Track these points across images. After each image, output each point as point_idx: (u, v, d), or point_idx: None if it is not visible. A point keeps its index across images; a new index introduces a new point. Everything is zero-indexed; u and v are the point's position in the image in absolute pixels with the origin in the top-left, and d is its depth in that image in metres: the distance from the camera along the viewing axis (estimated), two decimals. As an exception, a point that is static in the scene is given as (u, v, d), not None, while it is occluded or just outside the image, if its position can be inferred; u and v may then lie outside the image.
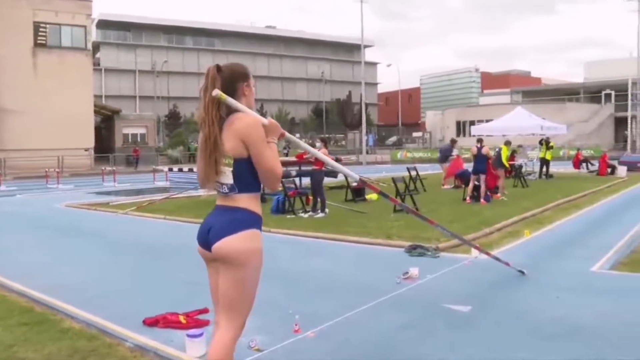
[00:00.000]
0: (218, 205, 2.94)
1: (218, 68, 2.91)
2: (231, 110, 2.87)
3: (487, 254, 6.72)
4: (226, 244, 2.79)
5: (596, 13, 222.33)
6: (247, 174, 2.83)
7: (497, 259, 6.63)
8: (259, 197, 2.95)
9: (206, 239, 2.87)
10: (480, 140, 14.74)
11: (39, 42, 38.14)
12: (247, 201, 2.87)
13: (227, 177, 2.84)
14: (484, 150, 14.28)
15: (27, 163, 33.74)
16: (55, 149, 34.80)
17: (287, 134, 3.16)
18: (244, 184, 2.85)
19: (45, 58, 38.00)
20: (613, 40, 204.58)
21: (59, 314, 5.37)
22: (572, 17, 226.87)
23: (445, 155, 19.97)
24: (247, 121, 2.80)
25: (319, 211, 12.23)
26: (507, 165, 17.00)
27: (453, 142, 21.49)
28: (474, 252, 7.72)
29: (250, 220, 2.85)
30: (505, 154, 16.87)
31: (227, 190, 2.86)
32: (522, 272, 6.59)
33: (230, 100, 2.83)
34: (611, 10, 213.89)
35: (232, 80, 2.91)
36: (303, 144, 3.47)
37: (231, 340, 2.89)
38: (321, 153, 3.70)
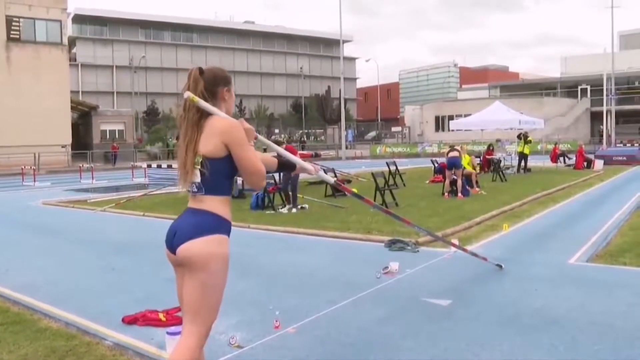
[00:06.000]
0: (188, 207, 2.90)
1: (200, 70, 2.90)
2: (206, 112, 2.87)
3: (464, 250, 6.77)
4: (190, 247, 2.73)
5: (562, 10, 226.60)
6: (219, 176, 2.81)
7: (474, 254, 6.67)
8: (228, 201, 2.88)
9: (172, 242, 2.83)
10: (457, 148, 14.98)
11: (12, 36, 37.47)
12: (215, 204, 2.82)
13: (196, 176, 2.80)
14: (460, 149, 14.47)
15: (2, 160, 33.21)
16: (31, 145, 34.26)
17: (260, 136, 3.16)
18: (212, 185, 2.81)
19: (19, 53, 37.39)
20: (578, 36, 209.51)
21: (35, 313, 5.29)
22: (540, 13, 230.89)
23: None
24: (229, 123, 2.79)
25: (291, 206, 12.34)
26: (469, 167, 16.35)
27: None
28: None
29: (217, 225, 2.80)
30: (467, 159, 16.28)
31: (195, 190, 2.83)
32: (500, 266, 6.65)
33: (202, 103, 2.80)
34: (576, 7, 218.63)
35: (214, 84, 2.90)
36: (275, 146, 3.53)
37: (194, 346, 2.81)
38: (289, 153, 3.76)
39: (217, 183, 2.82)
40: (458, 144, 14.93)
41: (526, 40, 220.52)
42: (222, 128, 2.77)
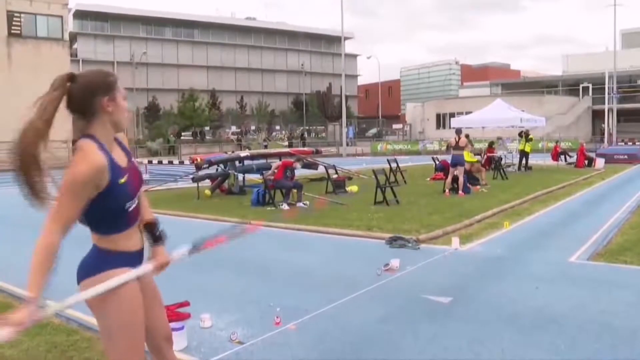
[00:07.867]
0: None
1: (71, 77, 2.33)
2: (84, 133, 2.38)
3: None
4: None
5: (560, 9, 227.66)
6: (88, 215, 2.39)
7: None
8: (116, 237, 2.48)
9: None
10: (459, 132, 14.79)
11: (13, 32, 37.39)
12: (97, 237, 2.45)
13: None
14: (462, 142, 14.35)
15: (2, 156, 33.20)
16: (31, 141, 34.23)
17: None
18: (86, 221, 2.44)
19: (20, 49, 37.31)
20: (577, 36, 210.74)
21: (36, 308, 5.28)
22: (538, 14, 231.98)
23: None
24: (73, 160, 2.34)
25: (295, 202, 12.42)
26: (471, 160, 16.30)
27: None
28: (454, 244, 7.79)
29: (99, 262, 2.42)
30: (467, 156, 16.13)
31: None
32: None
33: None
34: (575, 6, 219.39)
35: (88, 94, 2.31)
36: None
37: None
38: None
39: (89, 219, 2.42)
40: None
41: (525, 40, 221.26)
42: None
